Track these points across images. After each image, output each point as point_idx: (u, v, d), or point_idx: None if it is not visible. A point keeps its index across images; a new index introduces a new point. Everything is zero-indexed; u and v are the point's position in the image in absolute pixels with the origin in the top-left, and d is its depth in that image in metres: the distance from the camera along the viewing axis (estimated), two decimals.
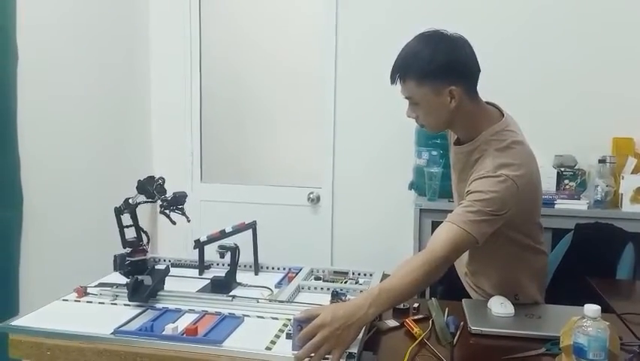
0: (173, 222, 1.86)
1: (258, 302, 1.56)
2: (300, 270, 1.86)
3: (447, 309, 1.74)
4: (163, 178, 1.85)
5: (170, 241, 3.31)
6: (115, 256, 1.90)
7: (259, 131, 3.50)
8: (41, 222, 2.55)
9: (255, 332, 1.41)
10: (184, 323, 1.45)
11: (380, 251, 3.29)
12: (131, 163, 3.30)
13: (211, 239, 1.87)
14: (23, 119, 2.38)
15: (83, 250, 2.79)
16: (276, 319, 1.50)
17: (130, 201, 1.86)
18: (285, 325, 1.45)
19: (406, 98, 1.62)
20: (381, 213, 3.29)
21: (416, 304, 1.77)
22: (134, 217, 1.90)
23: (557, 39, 2.96)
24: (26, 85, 2.39)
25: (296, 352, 1.27)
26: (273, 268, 1.93)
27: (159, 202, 1.84)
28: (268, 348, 1.31)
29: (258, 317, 1.51)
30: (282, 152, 3.47)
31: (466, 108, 1.59)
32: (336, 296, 1.61)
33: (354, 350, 1.24)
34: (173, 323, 1.42)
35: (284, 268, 1.92)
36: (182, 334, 1.36)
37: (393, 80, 1.60)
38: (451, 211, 1.97)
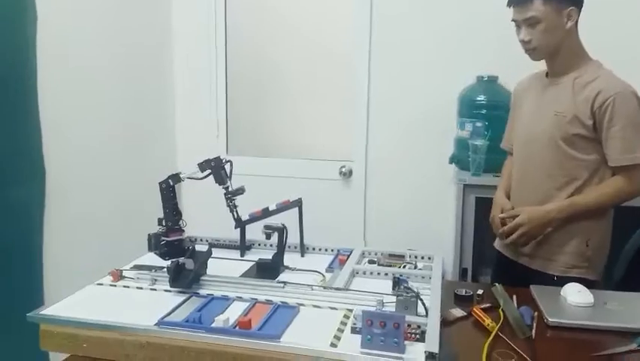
0: (240, 220, 1.74)
1: (312, 290, 1.40)
2: (351, 252, 1.70)
3: (515, 297, 1.59)
4: (231, 162, 1.73)
5: (195, 218, 3.18)
6: (149, 235, 1.76)
7: (288, 102, 3.32)
8: (65, 197, 2.41)
9: (313, 325, 1.26)
10: (234, 313, 1.30)
11: (416, 229, 3.13)
12: (154, 135, 3.14)
13: (253, 218, 1.72)
14: (44, 86, 2.22)
15: (109, 228, 2.66)
16: (334, 309, 1.34)
17: (182, 176, 1.71)
18: (345, 316, 1.30)
19: (525, 20, 1.72)
20: (418, 188, 3.11)
21: (480, 291, 1.62)
22: (174, 192, 1.76)
23: None
24: (47, 50, 2.22)
25: (364, 349, 1.13)
26: (319, 250, 1.77)
27: (224, 191, 1.74)
28: (333, 345, 1.16)
29: (314, 306, 1.36)
30: (312, 124, 3.28)
31: (573, 35, 1.74)
32: (399, 283, 1.45)
33: (436, 349, 1.09)
34: (223, 313, 1.28)
35: (332, 250, 1.76)
36: (235, 326, 1.22)
37: (517, 3, 1.72)
38: (496, 187, 2.22)
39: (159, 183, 1.75)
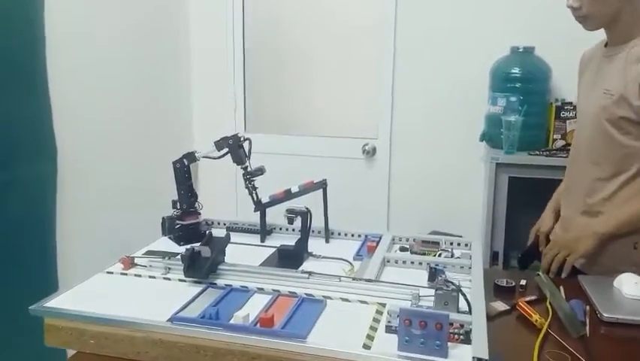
0: (260, 203, 1.61)
1: (340, 281, 1.27)
2: (380, 238, 1.57)
3: (562, 288, 1.45)
4: (250, 140, 1.61)
5: (211, 201, 3.08)
6: (163, 218, 1.64)
7: (308, 77, 3.17)
8: (78, 177, 2.31)
9: (342, 322, 1.14)
10: (254, 307, 1.18)
11: (442, 211, 2.99)
12: (170, 112, 3.03)
13: (274, 200, 1.59)
14: (54, 60, 2.10)
15: (123, 209, 2.56)
16: (365, 303, 1.21)
17: (197, 154, 1.59)
18: (378, 311, 1.17)
19: None
20: (446, 167, 2.97)
21: (523, 281, 1.48)
22: (189, 172, 1.64)
23: None
24: (56, 26, 2.10)
25: (402, 352, 1.00)
26: (345, 235, 1.64)
27: (242, 172, 1.61)
28: (366, 346, 1.03)
29: (343, 299, 1.23)
30: (334, 99, 3.14)
31: (634, 3, 1.50)
32: (436, 275, 1.31)
33: (485, 355, 0.96)
34: (242, 307, 1.16)
35: (358, 235, 1.63)
36: (255, 324, 1.09)
37: None
38: (531, 166, 2.28)
39: (173, 162, 1.63)
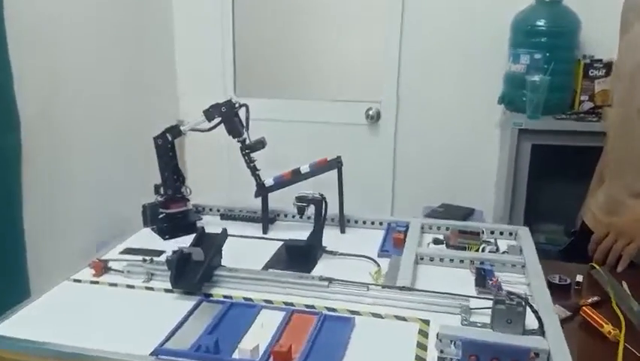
0: (263, 187, 1.34)
1: (368, 290, 1.01)
2: (407, 227, 1.30)
3: (624, 284, 1.20)
4: (247, 106, 1.33)
5: (199, 183, 2.79)
6: (144, 206, 1.36)
7: (304, 35, 2.84)
8: (45, 152, 2.01)
9: (379, 349, 0.88)
10: (263, 331, 0.91)
11: (454, 182, 2.73)
12: (151, 79, 2.69)
13: (280, 183, 1.31)
14: (12, 16, 1.77)
15: (100, 194, 2.26)
16: (403, 319, 0.96)
17: (182, 128, 1.30)
18: (422, 332, 0.91)
19: None
20: (458, 134, 2.69)
21: (580, 277, 1.23)
22: (173, 150, 1.35)
23: None
24: None
25: None
26: (364, 223, 1.37)
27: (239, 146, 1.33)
28: None
29: (374, 315, 0.97)
30: (333, 59, 2.82)
31: None
32: (484, 277, 1.06)
33: None
34: (247, 331, 0.90)
35: (380, 223, 1.36)
36: (267, 359, 0.83)
37: None
38: (558, 132, 1.98)
39: (154, 138, 1.34)
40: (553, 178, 2.42)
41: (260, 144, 1.34)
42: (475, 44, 2.56)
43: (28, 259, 1.88)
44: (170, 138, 1.34)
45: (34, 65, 1.93)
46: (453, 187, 2.73)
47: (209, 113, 1.33)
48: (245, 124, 1.34)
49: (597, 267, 1.28)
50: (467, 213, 2.56)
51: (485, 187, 2.70)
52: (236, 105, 1.33)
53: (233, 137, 1.34)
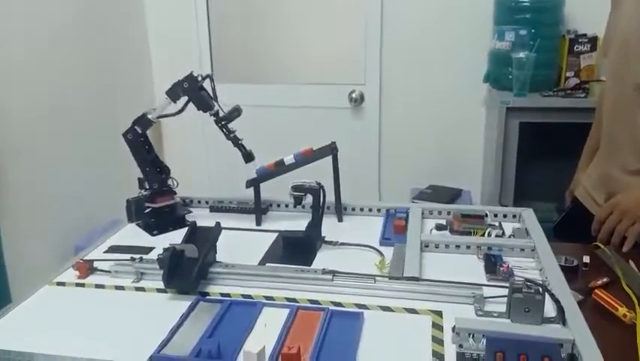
0: (248, 155, 1.26)
1: (375, 282, 0.96)
2: (407, 213, 1.24)
3: (631, 263, 1.18)
4: (211, 76, 1.24)
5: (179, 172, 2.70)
6: (128, 201, 1.28)
7: (283, 14, 2.75)
8: (20, 147, 1.91)
9: (392, 346, 0.82)
10: (267, 331, 0.85)
11: (441, 163, 2.70)
12: (126, 68, 2.58)
13: (265, 174, 1.24)
14: None
15: (80, 189, 2.16)
16: (415, 312, 0.90)
17: (149, 116, 1.22)
18: (436, 325, 0.86)
19: None
20: (443, 114, 2.65)
21: (587, 258, 1.19)
22: (148, 142, 1.27)
23: None
24: None
25: None
26: (361, 210, 1.31)
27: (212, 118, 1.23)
28: None
29: (383, 308, 0.92)
30: (314, 40, 2.74)
31: None
32: (494, 263, 1.01)
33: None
34: (250, 332, 0.84)
35: (378, 210, 1.30)
36: None
37: None
38: (545, 109, 1.94)
39: (123, 134, 1.25)
40: (540, 156, 2.40)
41: (235, 112, 1.24)
42: (459, 22, 2.51)
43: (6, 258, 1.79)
44: (140, 131, 1.24)
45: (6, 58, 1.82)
46: (440, 168, 2.70)
47: (172, 93, 1.23)
48: (213, 95, 1.25)
49: (602, 246, 1.25)
50: (455, 194, 2.53)
51: (472, 167, 2.67)
52: (200, 78, 1.23)
53: (204, 111, 1.24)
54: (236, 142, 1.26)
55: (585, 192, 1.53)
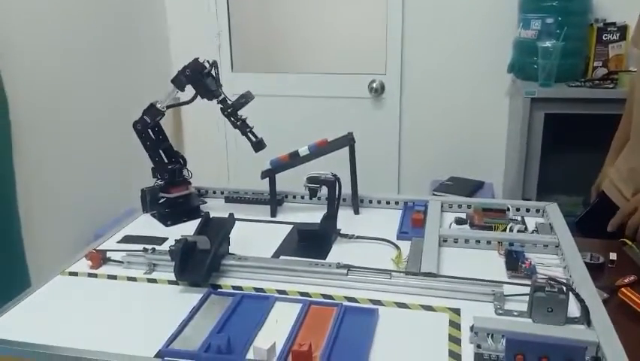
0: (261, 143, 1.22)
1: (391, 277, 0.93)
2: (426, 206, 1.21)
3: None
4: (216, 63, 1.19)
5: (197, 162, 2.69)
6: (143, 191, 1.27)
7: (303, 4, 2.72)
8: (35, 135, 1.91)
9: (407, 344, 0.80)
10: (278, 327, 0.83)
11: (462, 155, 2.65)
12: (145, 55, 2.57)
13: (279, 166, 1.22)
14: None
15: (96, 177, 2.17)
16: (431, 309, 0.87)
17: (158, 105, 1.19)
18: (453, 323, 0.83)
19: None
20: (465, 104, 2.60)
21: (613, 255, 1.15)
22: (162, 132, 1.25)
23: None
24: None
25: None
26: (379, 203, 1.28)
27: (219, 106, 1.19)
28: None
29: (399, 305, 0.89)
30: (334, 30, 2.71)
31: None
32: (516, 260, 0.98)
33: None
34: (261, 327, 0.82)
35: (396, 203, 1.27)
36: (285, 359, 0.75)
37: None
38: (571, 100, 1.82)
39: (133, 124, 1.23)
40: (565, 148, 2.34)
41: (243, 98, 1.20)
42: (483, 11, 2.45)
43: (25, 247, 1.81)
44: (149, 120, 1.22)
45: (20, 44, 1.82)
46: (461, 160, 2.65)
47: (177, 81, 1.20)
48: (217, 81, 1.21)
49: (630, 243, 1.20)
50: (477, 187, 2.48)
51: (495, 159, 2.62)
52: (206, 64, 1.19)
53: (208, 99, 1.21)
54: (244, 130, 1.22)
55: (612, 185, 1.48)
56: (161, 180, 1.24)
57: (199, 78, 1.18)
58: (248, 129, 1.22)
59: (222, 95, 1.20)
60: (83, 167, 2.13)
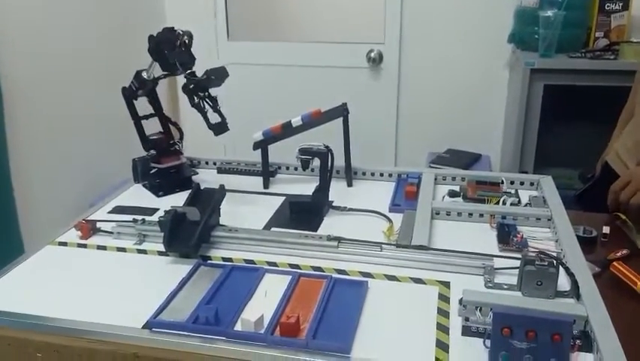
0: (212, 126, 1.13)
1: (381, 250, 0.92)
2: (419, 178, 1.20)
3: None
4: (190, 33, 1.11)
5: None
6: (134, 161, 1.25)
7: None
8: (26, 105, 1.88)
9: (395, 317, 0.79)
10: (267, 299, 0.83)
11: (460, 126, 2.62)
12: (139, 22, 2.51)
13: (272, 136, 1.20)
14: None
15: (88, 144, 2.15)
16: (421, 282, 0.87)
17: (144, 75, 1.17)
18: (442, 297, 0.83)
19: None
20: (465, 75, 2.56)
21: (606, 229, 1.14)
22: (155, 100, 1.23)
23: None
24: None
25: None
26: (372, 175, 1.27)
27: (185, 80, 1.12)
28: None
29: (388, 277, 0.88)
30: None
31: None
32: (507, 233, 0.97)
33: None
34: (250, 299, 0.82)
35: (389, 175, 1.26)
36: (272, 332, 0.75)
37: None
38: (571, 71, 1.78)
39: (122, 89, 1.20)
40: (564, 120, 2.31)
41: (214, 75, 1.08)
42: None
43: (21, 217, 1.80)
44: (134, 88, 1.18)
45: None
46: (459, 132, 2.62)
47: (150, 51, 1.13)
48: (187, 47, 1.10)
49: (623, 217, 1.19)
50: (474, 159, 2.47)
51: (492, 131, 2.59)
52: (178, 33, 1.10)
53: (179, 74, 1.11)
54: (202, 109, 1.10)
55: (617, 157, 1.46)
56: (152, 149, 1.22)
57: (159, 47, 1.10)
58: (216, 107, 1.12)
59: (179, 72, 1.11)
60: (79, 134, 2.11)
